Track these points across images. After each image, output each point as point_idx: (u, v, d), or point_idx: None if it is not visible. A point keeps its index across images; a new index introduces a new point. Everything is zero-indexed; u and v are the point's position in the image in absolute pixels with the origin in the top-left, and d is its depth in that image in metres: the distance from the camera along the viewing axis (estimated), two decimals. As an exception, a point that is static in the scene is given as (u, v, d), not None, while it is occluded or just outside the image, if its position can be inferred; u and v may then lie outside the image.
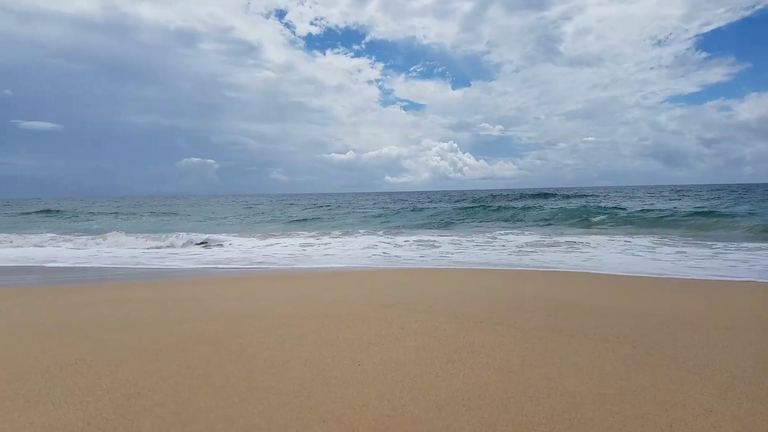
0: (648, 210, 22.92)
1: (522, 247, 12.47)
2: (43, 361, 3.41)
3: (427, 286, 6.72)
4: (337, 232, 19.06)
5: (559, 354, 3.50)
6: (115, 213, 37.46)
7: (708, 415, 2.54)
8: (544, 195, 45.28)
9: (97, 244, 15.25)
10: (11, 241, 15.76)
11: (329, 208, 39.89)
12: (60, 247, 14.98)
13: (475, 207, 29.16)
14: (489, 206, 29.39)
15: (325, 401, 2.70)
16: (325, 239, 16.16)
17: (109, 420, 2.48)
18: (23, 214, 37.67)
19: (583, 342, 3.81)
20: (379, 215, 28.44)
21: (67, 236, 17.23)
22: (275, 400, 2.72)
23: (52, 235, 17.71)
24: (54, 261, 11.09)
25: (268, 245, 14.52)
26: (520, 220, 21.95)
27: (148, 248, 14.20)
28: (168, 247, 14.40)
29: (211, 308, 5.25)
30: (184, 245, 14.60)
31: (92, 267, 10.08)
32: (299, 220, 27.33)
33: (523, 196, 45.74)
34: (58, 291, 6.97)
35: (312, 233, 19.12)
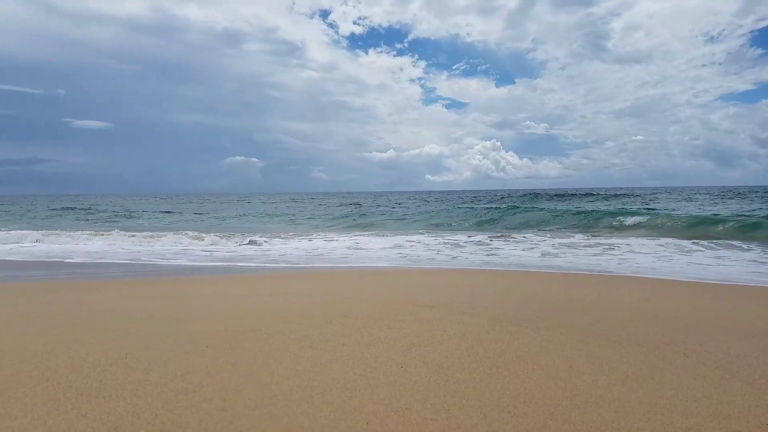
0: (694, 212, 22.12)
1: (559, 248, 12.23)
2: (94, 354, 3.52)
3: (465, 287, 6.66)
4: (373, 231, 19.13)
5: (607, 361, 3.41)
6: (158, 211, 38.51)
7: (764, 428, 2.43)
8: (588, 194, 44.33)
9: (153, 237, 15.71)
10: (37, 241, 16.32)
11: (368, 206, 40.07)
12: (91, 243, 15.45)
13: (515, 206, 28.69)
14: (528, 206, 28.91)
15: (369, 402, 2.70)
16: (362, 237, 16.26)
17: (157, 415, 2.54)
18: (68, 208, 39.42)
19: (632, 349, 3.70)
20: (418, 213, 28.40)
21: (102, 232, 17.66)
22: (319, 399, 2.73)
23: (89, 231, 18.11)
24: (70, 257, 11.42)
25: (306, 243, 14.70)
26: (559, 221, 21.48)
27: (185, 248, 14.56)
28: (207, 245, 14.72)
29: (253, 306, 5.34)
30: (221, 243, 14.92)
31: (114, 263, 10.36)
32: (338, 218, 27.56)
33: (567, 195, 44.83)
34: (82, 286, 7.23)
35: (350, 231, 19.23)
